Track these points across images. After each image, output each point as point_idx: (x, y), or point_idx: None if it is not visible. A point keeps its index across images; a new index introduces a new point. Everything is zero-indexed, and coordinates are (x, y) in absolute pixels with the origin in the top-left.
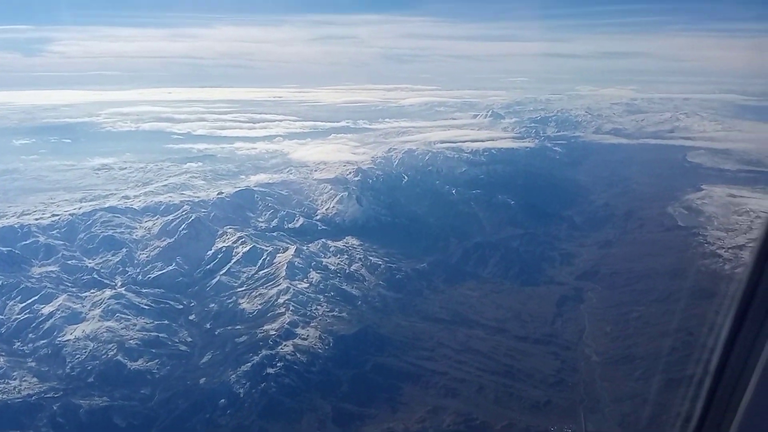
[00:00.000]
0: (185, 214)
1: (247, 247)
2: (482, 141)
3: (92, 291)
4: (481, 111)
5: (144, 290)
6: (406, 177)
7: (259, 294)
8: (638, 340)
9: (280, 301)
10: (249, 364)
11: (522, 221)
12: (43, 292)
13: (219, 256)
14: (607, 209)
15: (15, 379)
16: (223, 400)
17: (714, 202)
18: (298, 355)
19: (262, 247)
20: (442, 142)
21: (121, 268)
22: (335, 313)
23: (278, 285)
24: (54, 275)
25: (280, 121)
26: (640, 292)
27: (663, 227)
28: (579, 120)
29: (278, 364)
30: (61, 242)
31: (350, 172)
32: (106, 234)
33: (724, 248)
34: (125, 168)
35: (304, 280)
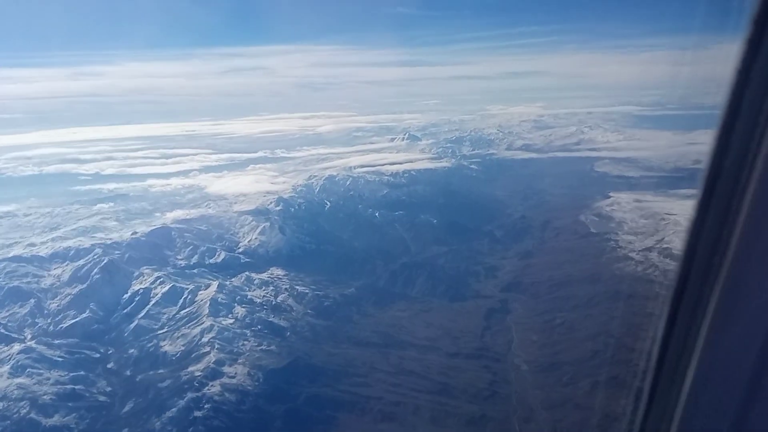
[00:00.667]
0: (97, 257)
1: (166, 287)
2: (401, 163)
3: None
4: (398, 134)
5: (56, 341)
6: (328, 203)
7: (182, 335)
8: (564, 346)
9: (204, 340)
10: (174, 409)
11: (445, 239)
12: None
13: (136, 299)
14: (524, 221)
15: None
16: None
17: (622, 208)
18: (227, 395)
19: (183, 285)
20: (362, 166)
21: (30, 320)
22: (263, 347)
23: (201, 323)
24: None
25: (195, 155)
26: (562, 299)
27: (577, 235)
28: (492, 138)
29: (206, 406)
30: None
31: (271, 202)
32: (11, 285)
33: (634, 251)
34: (30, 214)
35: (229, 316)
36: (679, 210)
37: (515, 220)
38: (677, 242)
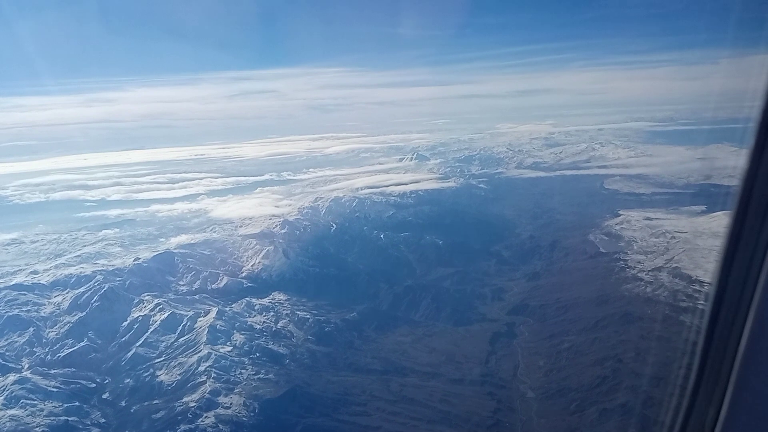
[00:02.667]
0: (98, 284)
1: (166, 314)
2: (408, 183)
3: None
4: (407, 154)
5: (53, 371)
6: (334, 225)
7: (179, 363)
8: (571, 372)
9: (201, 368)
10: None
11: (452, 260)
12: None
13: (135, 327)
14: (533, 241)
15: None
16: None
17: (632, 227)
18: (221, 426)
19: (182, 312)
20: (369, 187)
21: (28, 349)
22: (261, 376)
23: (199, 351)
24: None
25: (201, 179)
26: (569, 321)
27: (586, 255)
28: (501, 156)
29: None
30: None
31: (276, 225)
32: (11, 314)
33: (644, 271)
34: (37, 241)
35: (227, 344)
36: (690, 228)
37: (523, 240)
38: (687, 261)
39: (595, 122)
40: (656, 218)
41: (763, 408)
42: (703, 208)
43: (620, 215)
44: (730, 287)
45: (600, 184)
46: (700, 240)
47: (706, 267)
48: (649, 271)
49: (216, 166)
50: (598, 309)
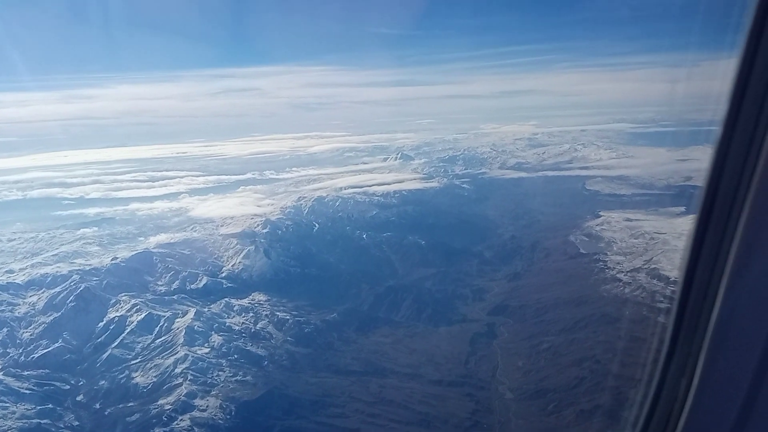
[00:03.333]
0: (74, 284)
1: (142, 315)
2: (392, 183)
3: None
4: (391, 154)
5: (26, 373)
6: (316, 225)
7: (155, 365)
8: (549, 372)
9: (177, 370)
10: None
11: (433, 261)
12: None
13: (111, 327)
14: (514, 242)
15: None
16: None
17: (612, 228)
18: (196, 429)
19: (159, 313)
20: (353, 187)
21: (1, 350)
22: (239, 378)
23: (176, 353)
24: None
25: (182, 177)
26: (549, 322)
27: (567, 255)
28: (485, 157)
29: None
30: None
31: (258, 225)
32: None
33: (623, 272)
34: (14, 239)
35: (205, 345)
36: (669, 228)
37: (505, 240)
38: (665, 262)
39: (578, 123)
40: (636, 219)
41: (725, 403)
42: (683, 209)
43: (601, 216)
44: (695, 287)
45: (582, 185)
46: (679, 241)
47: None
48: (627, 272)
49: (198, 164)
50: (577, 310)
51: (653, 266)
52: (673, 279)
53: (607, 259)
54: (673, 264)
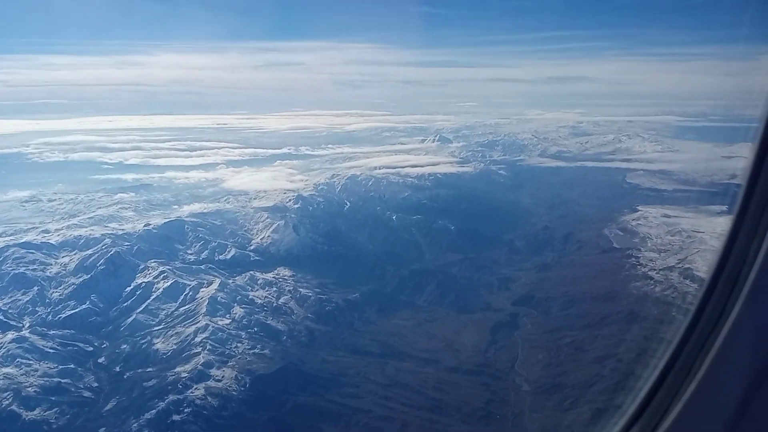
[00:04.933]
0: (105, 248)
1: (169, 282)
2: (426, 166)
3: None
4: (429, 135)
5: (51, 332)
6: (348, 203)
7: (176, 333)
8: (569, 368)
9: (197, 339)
10: (153, 411)
11: (462, 246)
12: None
13: (138, 293)
14: (546, 232)
15: None
16: None
17: (648, 223)
18: (209, 399)
19: (186, 281)
20: (387, 167)
21: (30, 308)
22: (256, 351)
23: (197, 322)
24: None
25: (220, 148)
26: (574, 316)
27: (599, 249)
28: (525, 143)
29: (186, 410)
30: None
31: (290, 200)
32: (17, 271)
33: (655, 270)
34: (54, 200)
35: (227, 316)
36: (708, 227)
37: (538, 230)
38: (700, 262)
39: (626, 113)
40: (674, 216)
41: (725, 405)
42: (724, 208)
43: (638, 210)
44: (720, 284)
45: (622, 178)
46: (716, 241)
47: None
48: (660, 270)
49: (237, 136)
50: (604, 305)
51: (687, 266)
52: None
53: (640, 256)
54: (708, 265)
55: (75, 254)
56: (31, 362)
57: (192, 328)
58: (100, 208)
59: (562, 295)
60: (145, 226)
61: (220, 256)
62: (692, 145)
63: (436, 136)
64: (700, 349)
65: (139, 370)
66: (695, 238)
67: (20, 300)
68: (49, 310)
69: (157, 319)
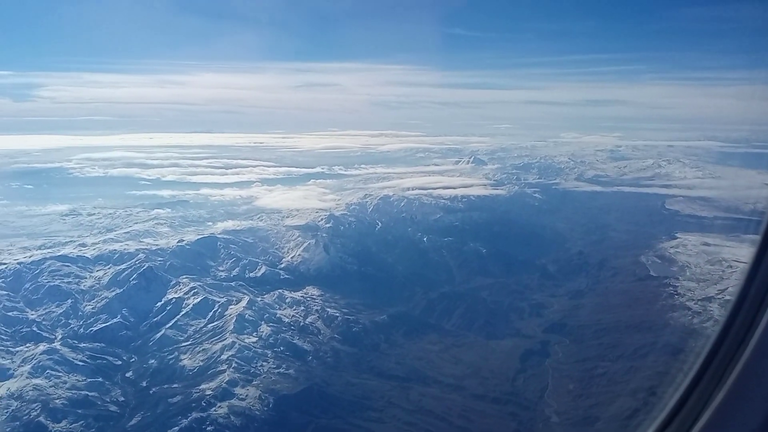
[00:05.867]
0: (138, 263)
1: (199, 299)
2: (459, 187)
3: (27, 345)
4: (464, 157)
5: (82, 345)
6: (379, 224)
7: (203, 349)
8: (601, 399)
9: (223, 357)
10: (176, 428)
11: (493, 270)
12: None
13: (168, 308)
14: (581, 258)
15: None
16: None
17: (688, 251)
18: (232, 418)
19: (215, 298)
20: (420, 188)
21: (63, 321)
22: (281, 370)
23: (224, 339)
24: None
25: (255, 166)
26: (607, 346)
27: (635, 277)
28: (561, 167)
29: (208, 429)
30: (5, 292)
31: (322, 219)
32: (52, 284)
33: (693, 300)
34: (93, 214)
35: (253, 334)
36: (749, 257)
37: (572, 255)
38: None
39: (666, 138)
40: (715, 244)
41: (753, 415)
42: None
43: (677, 238)
44: (750, 297)
45: (661, 204)
46: None
47: None
48: (699, 300)
49: (272, 155)
50: (638, 336)
51: (727, 297)
52: None
53: (678, 285)
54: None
55: (109, 268)
56: (60, 374)
57: (219, 345)
58: (136, 223)
59: (595, 323)
60: (178, 242)
61: (251, 274)
62: (734, 172)
63: (470, 158)
64: (729, 360)
65: (165, 386)
66: (736, 268)
67: (54, 312)
68: (81, 323)
69: (186, 335)
